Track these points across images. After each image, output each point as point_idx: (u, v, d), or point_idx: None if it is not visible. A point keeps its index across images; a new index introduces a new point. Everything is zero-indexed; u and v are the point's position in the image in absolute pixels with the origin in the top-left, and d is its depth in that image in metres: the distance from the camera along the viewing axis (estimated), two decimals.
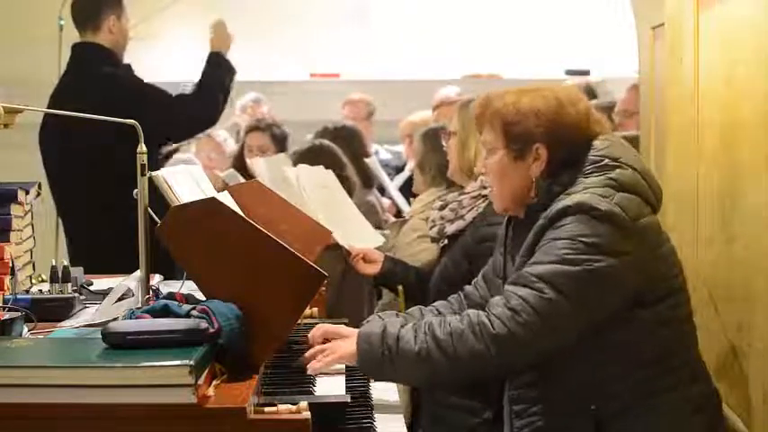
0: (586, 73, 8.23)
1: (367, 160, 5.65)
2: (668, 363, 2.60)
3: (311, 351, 2.67)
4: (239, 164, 5.84)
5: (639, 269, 2.56)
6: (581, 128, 2.68)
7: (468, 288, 3.00)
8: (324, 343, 2.69)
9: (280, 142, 5.66)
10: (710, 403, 2.68)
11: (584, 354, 2.58)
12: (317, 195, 4.18)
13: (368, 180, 5.35)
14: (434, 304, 3.00)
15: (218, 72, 4.81)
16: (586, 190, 2.58)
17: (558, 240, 2.54)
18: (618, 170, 2.61)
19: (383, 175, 6.34)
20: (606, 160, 2.63)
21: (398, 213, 5.95)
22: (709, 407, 2.66)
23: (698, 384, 2.65)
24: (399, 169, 6.80)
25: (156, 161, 4.41)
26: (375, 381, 2.68)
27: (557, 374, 2.61)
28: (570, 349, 2.57)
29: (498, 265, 2.85)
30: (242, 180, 5.27)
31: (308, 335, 2.75)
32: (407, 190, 5.75)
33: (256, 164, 4.57)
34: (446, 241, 3.59)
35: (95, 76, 4.58)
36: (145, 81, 4.73)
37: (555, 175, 2.65)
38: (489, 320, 2.53)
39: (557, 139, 2.65)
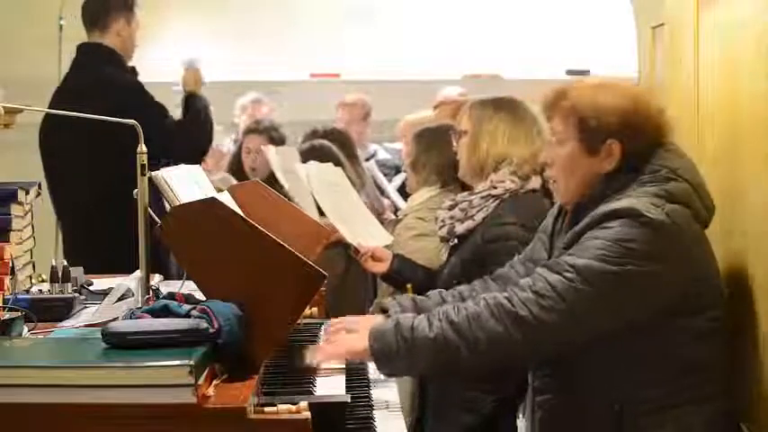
0: (586, 73, 8.21)
1: (365, 164, 5.66)
2: (696, 377, 2.58)
3: (319, 345, 2.71)
4: (236, 165, 5.84)
5: (678, 281, 2.53)
6: (655, 125, 2.66)
7: (501, 270, 2.97)
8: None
9: (277, 145, 5.66)
10: (729, 421, 2.67)
11: (613, 354, 2.56)
12: (326, 193, 4.18)
13: (358, 182, 5.36)
14: (456, 288, 2.98)
15: (198, 106, 4.73)
16: (637, 197, 2.55)
17: (600, 240, 2.51)
18: (673, 182, 2.59)
19: (381, 177, 6.33)
20: (664, 171, 2.60)
21: (397, 213, 5.95)
22: (726, 424, 2.65)
23: (720, 401, 2.63)
24: (398, 169, 6.79)
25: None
26: (391, 377, 2.64)
27: (583, 369, 2.60)
28: (600, 347, 2.55)
29: (539, 255, 2.82)
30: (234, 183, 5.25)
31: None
32: (405, 190, 5.74)
33: (267, 152, 4.56)
34: (456, 241, 3.59)
35: (98, 76, 4.57)
36: (149, 93, 4.67)
37: (612, 179, 2.63)
38: (511, 302, 2.50)
39: (631, 137, 2.62)
